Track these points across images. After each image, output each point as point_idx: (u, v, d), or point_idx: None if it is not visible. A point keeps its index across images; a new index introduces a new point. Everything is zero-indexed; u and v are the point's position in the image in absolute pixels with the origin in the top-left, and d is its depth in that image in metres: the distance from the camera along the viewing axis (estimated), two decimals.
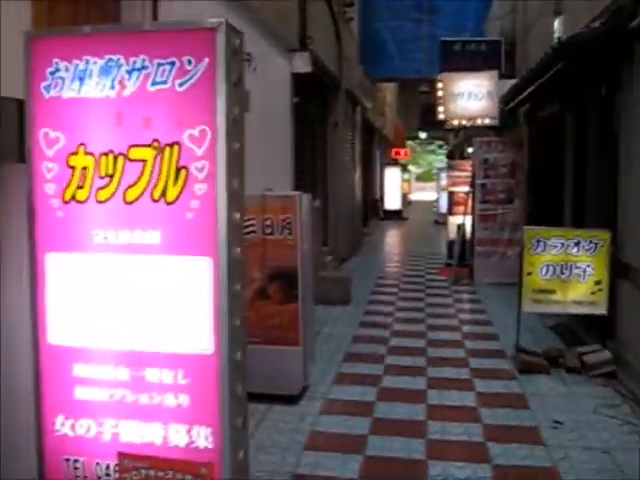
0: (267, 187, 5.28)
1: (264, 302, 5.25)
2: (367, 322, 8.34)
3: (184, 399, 2.64)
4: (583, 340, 7.02)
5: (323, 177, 13.08)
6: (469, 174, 12.59)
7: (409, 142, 45.37)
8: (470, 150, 25.66)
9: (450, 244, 13.30)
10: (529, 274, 6.36)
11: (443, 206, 24.18)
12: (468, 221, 11.70)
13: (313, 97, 12.09)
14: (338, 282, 9.44)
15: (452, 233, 13.12)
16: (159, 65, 2.54)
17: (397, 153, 38.99)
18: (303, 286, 5.20)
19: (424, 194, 44.01)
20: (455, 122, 11.74)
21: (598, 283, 6.30)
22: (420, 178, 54.20)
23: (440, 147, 52.29)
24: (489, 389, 5.87)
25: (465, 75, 11.56)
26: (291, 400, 5.39)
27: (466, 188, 12.82)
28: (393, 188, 26.20)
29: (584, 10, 7.23)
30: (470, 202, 11.56)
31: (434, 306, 9.39)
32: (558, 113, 8.92)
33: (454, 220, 13.08)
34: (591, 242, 6.26)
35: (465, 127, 13.87)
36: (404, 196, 29.41)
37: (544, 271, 6.33)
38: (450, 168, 13.28)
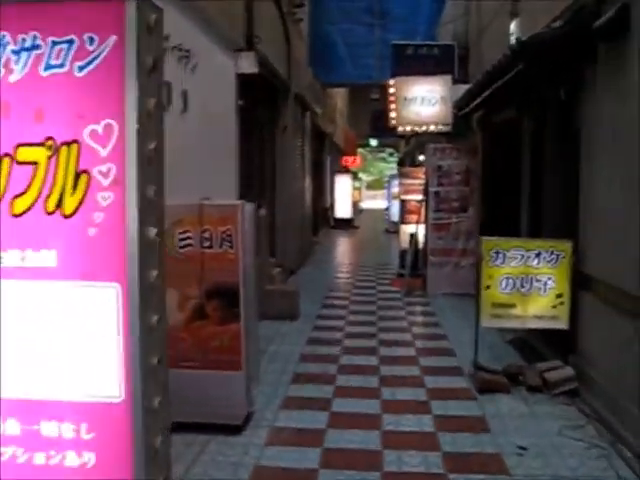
0: (205, 195, 4.79)
1: (202, 322, 4.75)
2: (316, 338, 7.88)
3: (89, 457, 2.14)
4: (543, 355, 6.70)
5: (271, 184, 12.61)
6: (422, 182, 12.28)
7: (360, 150, 45.23)
8: (422, 158, 25.58)
9: (402, 254, 12.97)
10: (487, 287, 6.00)
11: (394, 214, 23.99)
12: (421, 230, 11.37)
13: (261, 100, 11.62)
14: (286, 296, 8.97)
15: (404, 242, 12.78)
16: (54, 44, 2.05)
17: (348, 161, 38.89)
18: (245, 303, 4.72)
19: (375, 202, 43.86)
20: (407, 128, 11.41)
21: (559, 296, 5.98)
22: (371, 186, 54.12)
23: (391, 155, 52.37)
24: (447, 411, 5.47)
25: (417, 79, 11.25)
26: (234, 430, 4.90)
27: (419, 196, 12.51)
28: (344, 196, 25.87)
29: (542, 11, 6.94)
30: (423, 210, 11.24)
31: (386, 319, 9.00)
32: (514, 118, 8.64)
33: (406, 229, 12.76)
34: (552, 253, 5.93)
35: (417, 133, 13.62)
36: (355, 204, 29.14)
37: (503, 284, 5.97)
38: (402, 176, 12.97)
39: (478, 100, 8.98)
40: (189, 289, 4.69)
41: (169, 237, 4.61)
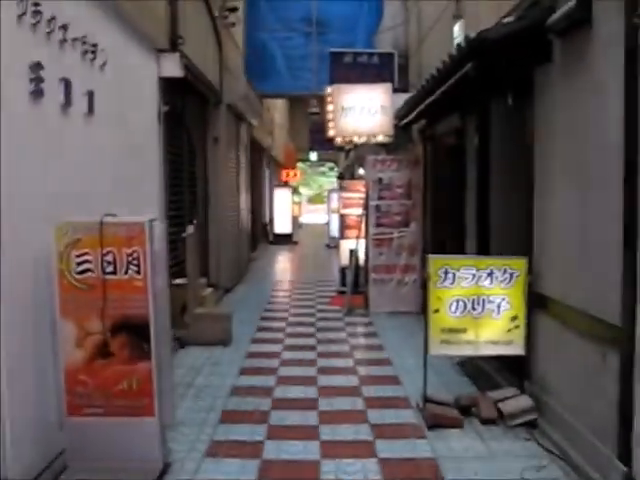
0: (109, 212, 4.05)
1: (106, 361, 4.00)
2: (250, 368, 7.16)
3: None
4: (496, 381, 6.15)
5: (204, 199, 11.86)
6: (362, 195, 11.74)
7: (300, 164, 44.79)
8: (361, 171, 25.18)
9: (343, 270, 12.38)
10: (436, 311, 5.41)
11: (334, 229, 23.48)
12: (361, 245, 10.79)
13: (190, 109, 10.90)
14: (217, 320, 8.24)
15: (344, 259, 12.19)
16: None
17: (288, 175, 38.32)
18: (157, 338, 4.00)
19: (315, 217, 43.35)
20: (346, 139, 10.83)
21: (514, 319, 5.44)
22: (312, 200, 53.69)
23: (331, 169, 52.07)
24: (394, 453, 4.84)
25: (356, 87, 10.69)
26: None
27: (359, 210, 11.96)
28: (283, 211, 25.21)
29: (488, 11, 6.47)
30: (363, 225, 10.67)
31: (326, 343, 8.35)
32: (459, 127, 8.16)
33: (346, 245, 12.16)
34: (505, 272, 5.39)
35: (356, 145, 13.12)
36: (295, 219, 28.52)
37: (453, 307, 5.40)
38: (342, 189, 12.40)
39: (421, 107, 8.46)
40: (89, 323, 3.94)
41: (64, 260, 3.86)
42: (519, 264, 5.40)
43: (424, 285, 10.47)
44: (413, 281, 10.34)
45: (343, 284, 12.29)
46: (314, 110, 27.60)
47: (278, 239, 24.53)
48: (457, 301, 5.38)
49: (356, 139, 10.79)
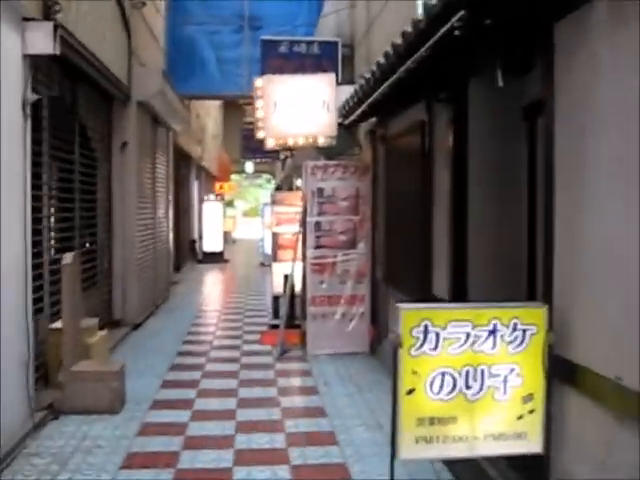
0: None
1: None
2: (140, 453, 5.09)
3: None
4: None
5: (105, 215, 9.72)
6: (299, 210, 9.81)
7: (235, 176, 42.75)
8: (299, 182, 23.28)
9: (275, 299, 10.38)
10: (410, 392, 3.48)
11: (268, 247, 21.46)
12: (298, 270, 8.84)
13: (88, 104, 8.79)
14: (103, 378, 6.13)
15: (277, 285, 10.21)
16: None
17: (222, 187, 36.16)
18: None
19: (251, 231, 41.22)
20: (280, 141, 8.86)
21: (528, 399, 3.57)
22: (247, 214, 51.56)
23: (268, 181, 50.16)
24: None
25: (292, 79, 8.76)
26: None
27: (295, 227, 10.02)
28: (214, 226, 23.04)
29: None
30: (300, 246, 8.72)
31: (250, 405, 6.33)
32: (423, 121, 6.32)
33: (280, 269, 10.18)
34: (516, 328, 3.52)
35: (292, 150, 11.29)
36: (227, 234, 26.41)
37: (437, 385, 3.48)
38: (275, 202, 10.44)
39: (373, 98, 6.61)
40: None
41: None
42: (536, 315, 3.53)
43: (374, 319, 8.68)
44: (361, 314, 8.44)
45: (276, 316, 10.30)
46: (250, 120, 25.69)
47: (207, 257, 22.35)
48: (442, 375, 3.48)
49: (291, 141, 8.82)
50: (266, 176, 49.06)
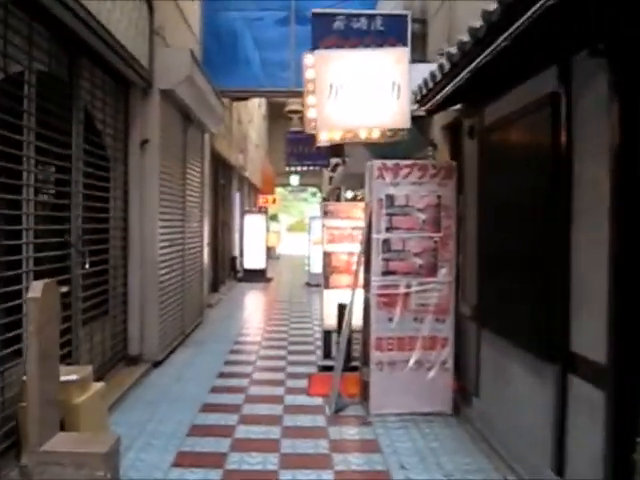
0: None
1: None
2: None
3: None
4: None
5: (120, 229, 7.91)
6: (358, 224, 7.89)
7: (279, 189, 41.10)
8: (349, 194, 21.24)
9: (327, 335, 8.41)
10: None
11: (316, 264, 19.52)
12: (358, 299, 6.85)
13: (97, 89, 7.01)
14: (84, 464, 4.21)
15: (329, 317, 8.24)
16: None
17: (266, 200, 34.47)
18: None
19: (295, 247, 39.40)
20: (335, 135, 6.92)
21: None
22: (292, 229, 49.80)
23: (313, 195, 48.45)
24: None
25: (353, 54, 6.80)
26: None
27: (353, 246, 8.08)
28: (256, 242, 21.19)
29: None
30: (361, 271, 6.73)
31: None
32: (545, 98, 4.30)
33: (332, 297, 8.23)
34: None
35: (341, 155, 9.48)
36: (271, 250, 24.58)
37: None
38: (327, 215, 8.46)
39: (464, 73, 4.69)
40: None
41: None
42: None
43: (458, 370, 6.58)
44: (441, 363, 6.40)
45: (327, 355, 8.35)
46: (295, 129, 23.97)
47: (249, 275, 20.49)
48: None
49: (350, 135, 6.87)
50: (311, 189, 47.38)
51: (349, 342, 7.67)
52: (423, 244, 6.38)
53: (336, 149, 15.35)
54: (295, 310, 14.00)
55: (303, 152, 15.64)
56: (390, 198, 6.35)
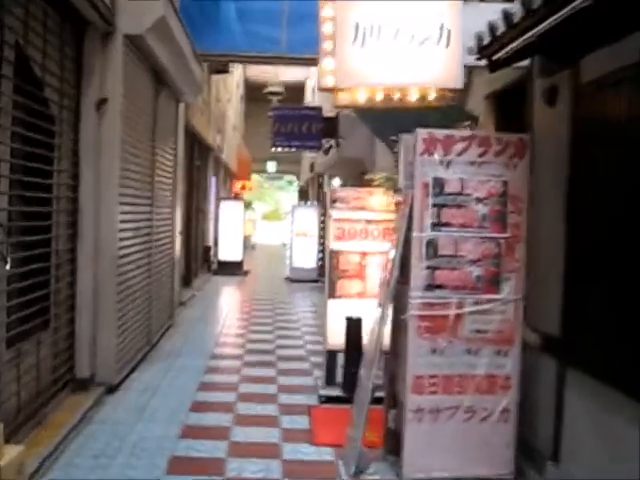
0: None
1: None
2: None
3: None
4: None
5: (66, 213, 6.04)
6: (380, 216, 6.15)
7: (255, 176, 39.19)
8: (335, 183, 19.38)
9: (331, 357, 6.63)
10: None
11: (298, 257, 17.77)
12: (384, 318, 5.05)
13: (36, 27, 5.12)
14: None
15: (335, 335, 6.47)
16: None
17: (244, 187, 32.65)
18: None
19: (271, 237, 37.61)
20: (359, 96, 5.10)
21: None
22: (267, 218, 47.84)
23: (290, 183, 46.66)
24: None
25: None
26: None
27: (368, 244, 6.35)
28: (232, 231, 19.31)
29: None
30: (389, 277, 4.93)
31: None
32: None
33: (339, 308, 6.47)
34: None
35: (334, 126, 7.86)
36: (246, 239, 22.71)
37: None
38: (335, 203, 6.59)
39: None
40: None
41: None
42: None
43: (524, 420, 4.35)
44: (502, 412, 4.66)
45: (330, 381, 6.58)
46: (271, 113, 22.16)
47: (224, 268, 18.60)
48: None
49: (380, 96, 5.07)
50: (288, 177, 45.57)
51: (359, 362, 5.98)
52: (482, 248, 4.62)
53: (330, 128, 13.63)
54: (279, 312, 12.17)
55: (292, 131, 13.82)
56: (439, 183, 4.57)
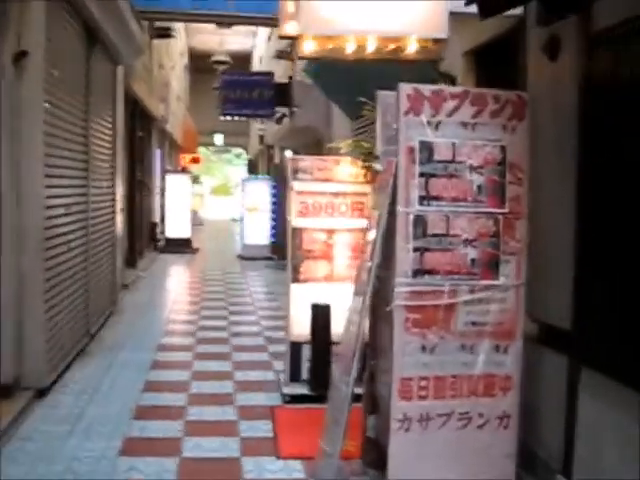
0: None
1: None
2: None
3: None
4: None
5: None
6: (348, 188, 5.43)
7: (202, 149, 38.05)
8: (288, 154, 18.48)
9: (295, 350, 5.86)
10: None
11: (251, 234, 16.94)
12: (353, 303, 4.30)
13: None
14: None
15: (299, 324, 5.72)
16: None
17: (194, 160, 31.53)
18: None
19: (220, 212, 36.62)
20: (328, 44, 4.27)
21: None
22: (215, 192, 46.66)
23: (238, 156, 45.58)
24: None
25: None
26: None
27: (335, 221, 5.63)
28: (180, 207, 18.33)
29: None
30: (369, 259, 4.15)
31: None
32: None
33: (304, 294, 5.72)
34: None
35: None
36: (195, 215, 21.75)
37: None
38: (297, 173, 5.78)
39: None
40: None
41: None
42: None
43: (526, 425, 3.49)
44: (501, 417, 3.97)
45: (295, 377, 5.83)
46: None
47: (171, 245, 17.66)
48: None
49: (352, 47, 4.27)
50: (236, 150, 44.47)
51: (327, 355, 5.32)
52: (478, 225, 3.88)
53: (283, 96, 12.74)
54: (232, 294, 11.35)
55: (242, 97, 12.88)
56: (427, 148, 3.81)
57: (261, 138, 26.70)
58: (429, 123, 3.80)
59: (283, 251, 16.47)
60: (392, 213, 3.82)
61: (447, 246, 3.85)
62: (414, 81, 4.26)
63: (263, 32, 23.59)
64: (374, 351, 4.27)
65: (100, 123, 8.48)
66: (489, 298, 3.93)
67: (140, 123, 15.05)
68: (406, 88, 3.79)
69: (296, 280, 5.77)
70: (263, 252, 16.37)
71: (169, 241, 17.91)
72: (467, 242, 3.87)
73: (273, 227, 16.68)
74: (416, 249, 3.82)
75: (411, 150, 3.78)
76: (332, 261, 5.76)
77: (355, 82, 7.39)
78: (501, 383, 3.99)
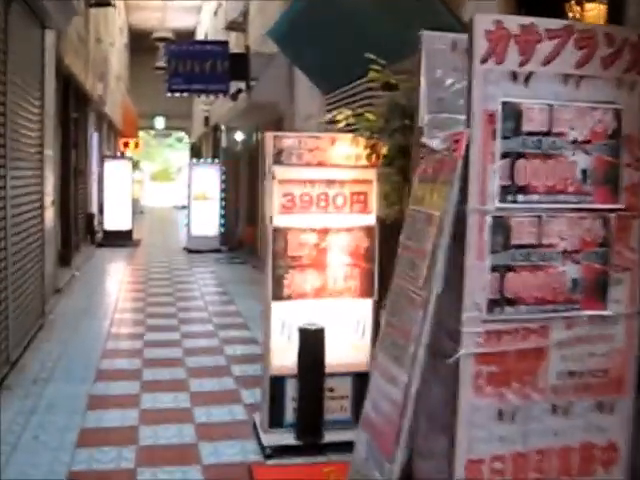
0: None
1: None
2: None
3: None
4: None
5: None
6: (347, 175, 4.13)
7: (142, 133, 36.09)
8: (238, 137, 16.93)
9: (276, 387, 4.49)
10: None
11: (198, 224, 15.46)
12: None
13: None
14: None
15: (281, 353, 4.37)
16: None
17: (127, 145, 29.55)
18: None
19: (161, 199, 34.86)
20: None
21: None
22: (156, 178, 44.59)
23: (179, 140, 43.68)
24: None
25: None
26: None
27: (330, 218, 4.30)
28: (120, 196, 16.67)
29: None
30: (423, 295, 2.84)
31: None
32: None
33: (287, 315, 4.37)
34: None
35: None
36: (135, 203, 20.07)
37: None
38: (280, 156, 4.40)
39: None
40: None
41: None
42: None
43: None
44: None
45: (276, 421, 4.48)
46: (160, 64, 19.69)
47: (110, 238, 15.98)
48: None
49: None
50: (178, 134, 42.57)
51: (319, 392, 4.02)
52: (582, 229, 2.62)
53: (239, 68, 11.26)
54: (182, 298, 9.86)
55: (192, 71, 11.35)
56: (514, 113, 2.50)
57: (206, 119, 25.01)
58: (515, 76, 2.49)
59: (232, 241, 15.31)
60: (462, 214, 2.51)
61: (538, 262, 2.56)
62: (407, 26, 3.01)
63: (208, 7, 22.01)
64: (415, 414, 2.96)
65: (23, 98, 6.94)
66: (592, 336, 2.67)
67: (75, 103, 13.35)
68: (484, 20, 2.46)
69: (278, 297, 4.39)
70: (212, 244, 15.00)
71: (108, 234, 16.23)
72: (566, 255, 2.59)
73: (222, 216, 15.35)
74: (495, 268, 2.52)
75: (491, 117, 2.46)
76: (325, 271, 4.41)
77: (337, 41, 6.08)
78: (602, 455, 2.75)
